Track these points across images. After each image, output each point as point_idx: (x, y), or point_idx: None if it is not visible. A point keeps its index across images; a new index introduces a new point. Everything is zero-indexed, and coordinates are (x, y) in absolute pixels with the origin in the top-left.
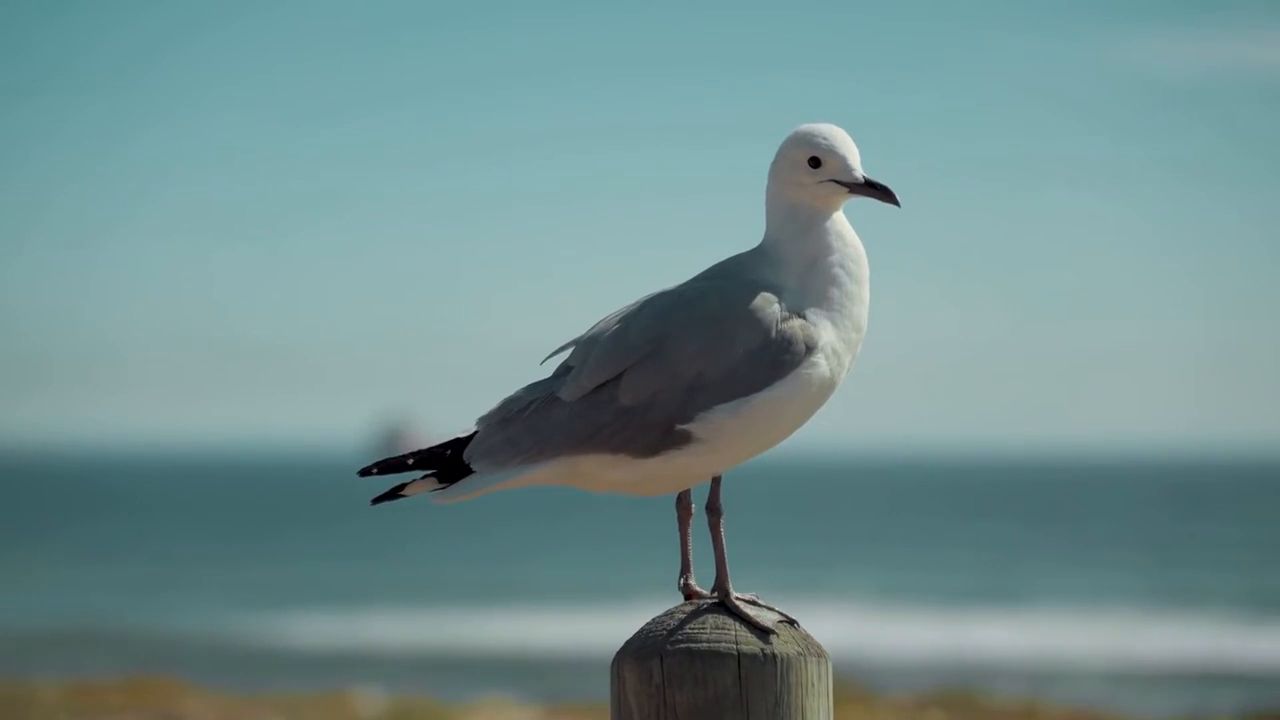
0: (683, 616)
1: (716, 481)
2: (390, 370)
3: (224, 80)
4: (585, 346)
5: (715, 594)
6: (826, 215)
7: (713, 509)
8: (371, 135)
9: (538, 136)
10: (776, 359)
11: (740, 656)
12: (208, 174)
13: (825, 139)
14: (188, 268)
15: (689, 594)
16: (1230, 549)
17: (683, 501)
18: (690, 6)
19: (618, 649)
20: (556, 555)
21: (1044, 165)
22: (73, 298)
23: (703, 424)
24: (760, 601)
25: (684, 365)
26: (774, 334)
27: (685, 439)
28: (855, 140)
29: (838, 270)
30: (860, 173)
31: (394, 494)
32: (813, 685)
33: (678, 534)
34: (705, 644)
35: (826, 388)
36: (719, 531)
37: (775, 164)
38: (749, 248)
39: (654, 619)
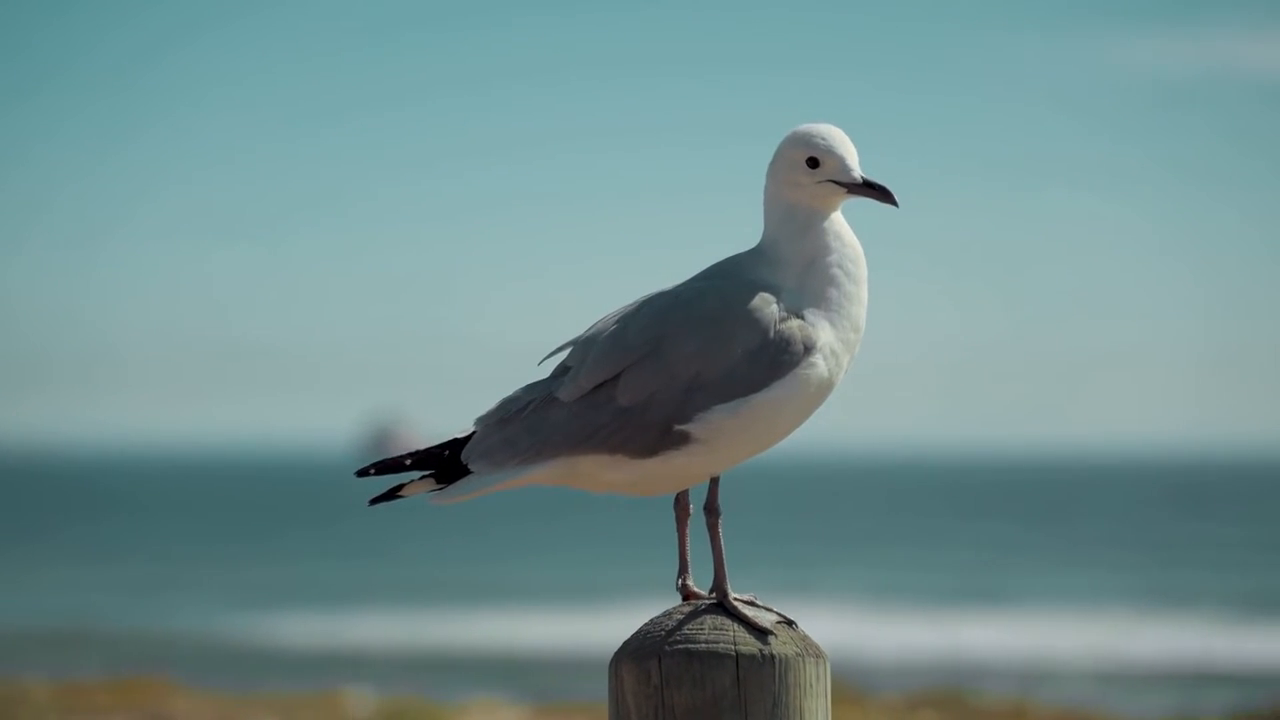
0: (681, 617)
1: (715, 482)
2: (391, 370)
3: (224, 80)
4: (583, 347)
5: (713, 594)
6: (824, 215)
7: (711, 510)
8: (371, 135)
9: (537, 136)
10: (775, 359)
11: (738, 657)
12: (208, 174)
13: (823, 139)
14: (188, 268)
15: (687, 594)
16: (1223, 549)
17: (681, 502)
18: (690, 6)
19: (613, 649)
20: (549, 555)
21: (1044, 165)
22: (73, 298)
23: (701, 424)
24: (758, 602)
25: (682, 365)
26: (772, 334)
27: (683, 439)
28: (854, 140)
29: (836, 270)
30: (858, 173)
31: (392, 494)
32: (811, 686)
33: (676, 534)
34: (703, 645)
35: (825, 388)
36: (717, 532)
37: (773, 164)
38: (747, 248)
39: (652, 620)
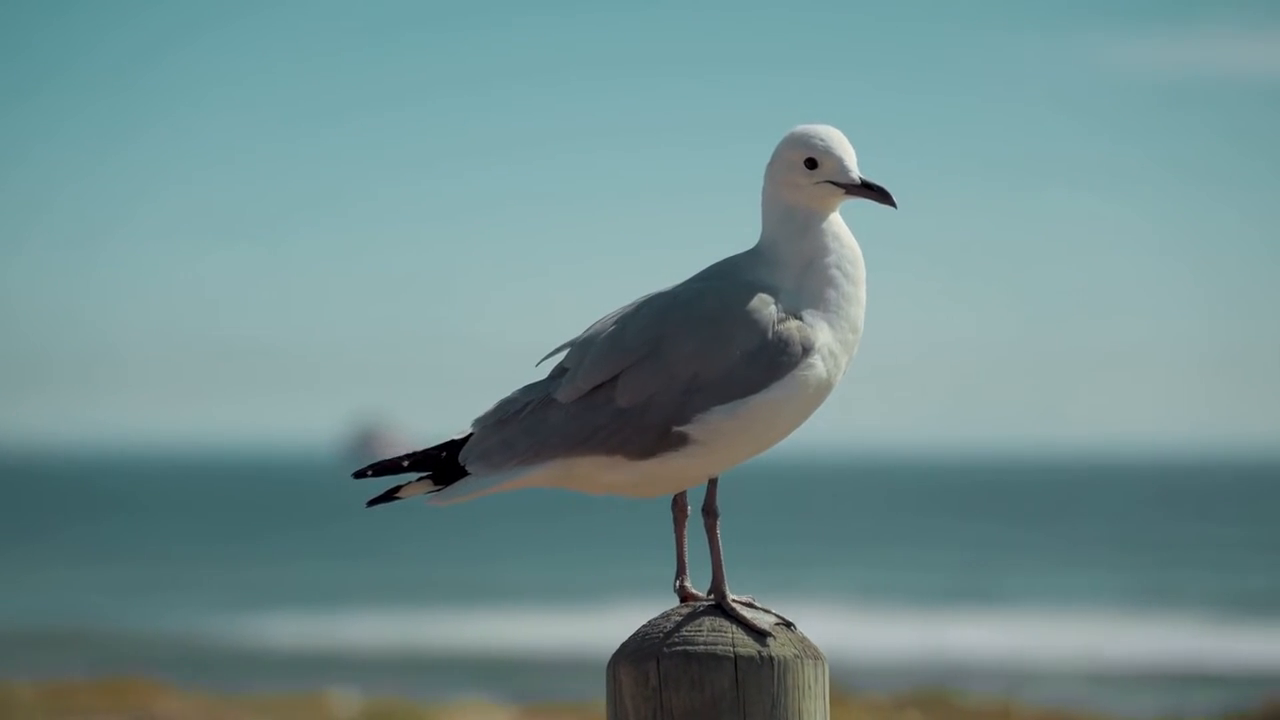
0: (679, 619)
1: (713, 483)
2: (391, 371)
3: (224, 80)
4: (581, 348)
5: (711, 596)
6: (823, 216)
7: (709, 511)
8: (371, 135)
9: (536, 136)
10: (773, 360)
11: (737, 659)
12: (207, 174)
13: (822, 140)
14: (187, 268)
15: (685, 596)
16: (1215, 549)
17: (679, 503)
18: (690, 6)
19: (604, 649)
20: (545, 556)
21: (1044, 165)
22: (72, 298)
23: (699, 426)
24: (757, 604)
25: (681, 366)
26: (771, 335)
27: (682, 440)
28: (854, 140)
29: (834, 271)
30: (857, 174)
31: (390, 496)
32: (809, 688)
33: (674, 536)
34: (702, 646)
35: (823, 389)
36: (715, 534)
37: (771, 165)
38: (746, 248)
39: (650, 621)
